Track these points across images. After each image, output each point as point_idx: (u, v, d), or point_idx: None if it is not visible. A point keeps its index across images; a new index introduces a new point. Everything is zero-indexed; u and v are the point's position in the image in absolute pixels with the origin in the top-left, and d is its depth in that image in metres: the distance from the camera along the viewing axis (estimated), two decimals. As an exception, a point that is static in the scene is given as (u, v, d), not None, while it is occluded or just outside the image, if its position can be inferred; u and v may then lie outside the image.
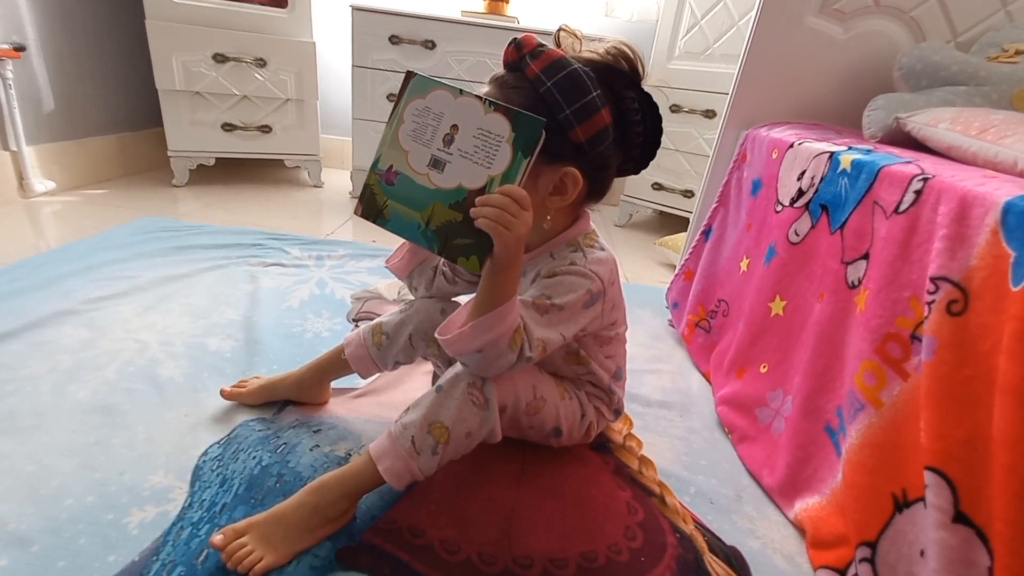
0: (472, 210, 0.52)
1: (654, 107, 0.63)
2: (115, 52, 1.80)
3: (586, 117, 0.57)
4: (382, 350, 0.75)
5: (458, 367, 0.62)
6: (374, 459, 0.59)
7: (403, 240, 0.75)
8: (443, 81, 0.56)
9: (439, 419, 0.59)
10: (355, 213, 0.59)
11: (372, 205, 0.58)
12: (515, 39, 0.58)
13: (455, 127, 0.54)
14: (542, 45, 0.58)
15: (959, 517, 0.48)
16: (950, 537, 0.48)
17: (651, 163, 0.67)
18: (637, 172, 0.67)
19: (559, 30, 0.62)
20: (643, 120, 0.62)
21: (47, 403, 0.75)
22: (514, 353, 0.57)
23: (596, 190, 0.65)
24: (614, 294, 0.67)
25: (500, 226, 0.51)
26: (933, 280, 0.54)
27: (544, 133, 0.52)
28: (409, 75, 0.57)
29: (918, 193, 0.60)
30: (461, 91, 0.55)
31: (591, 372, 0.72)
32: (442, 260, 0.76)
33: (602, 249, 0.66)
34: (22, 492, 0.61)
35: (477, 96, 0.54)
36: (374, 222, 0.58)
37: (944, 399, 0.51)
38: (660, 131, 0.64)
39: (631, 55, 0.61)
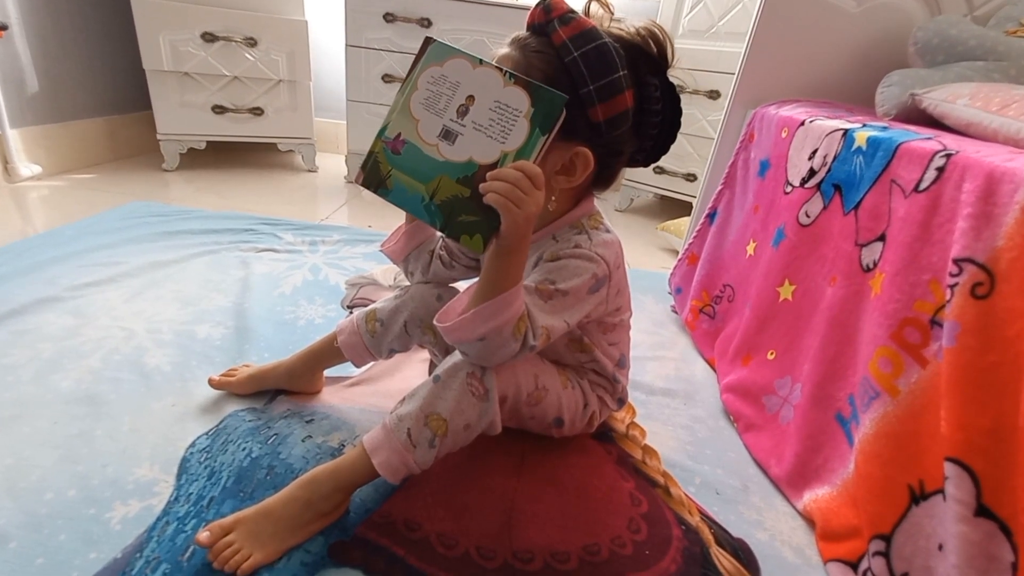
0: (482, 185, 0.49)
1: (676, 99, 0.59)
2: (101, 31, 1.74)
3: (609, 96, 0.53)
4: (376, 338, 0.72)
5: (456, 356, 0.59)
6: (368, 452, 0.56)
7: (400, 223, 0.72)
8: (463, 49, 0.52)
9: (436, 411, 0.57)
10: (355, 181, 0.56)
11: (375, 174, 0.55)
12: (544, 0, 0.55)
13: (471, 98, 0.51)
14: (573, 11, 0.54)
15: (981, 510, 0.46)
16: (971, 531, 0.46)
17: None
18: (647, 164, 0.64)
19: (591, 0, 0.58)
20: (662, 111, 0.58)
21: (28, 393, 0.72)
22: (517, 342, 0.54)
23: (604, 176, 0.62)
24: (620, 278, 0.64)
25: (510, 203, 0.48)
26: (956, 262, 0.51)
27: (565, 111, 0.49)
28: (427, 41, 0.54)
29: (940, 170, 0.57)
30: (481, 60, 0.52)
31: (595, 360, 0.69)
32: (439, 244, 0.73)
33: (607, 231, 0.63)
34: (0, 486, 0.58)
35: (497, 67, 0.51)
36: (375, 191, 0.55)
37: (967, 387, 0.48)
38: (678, 124, 0.60)
39: (661, 39, 0.57)
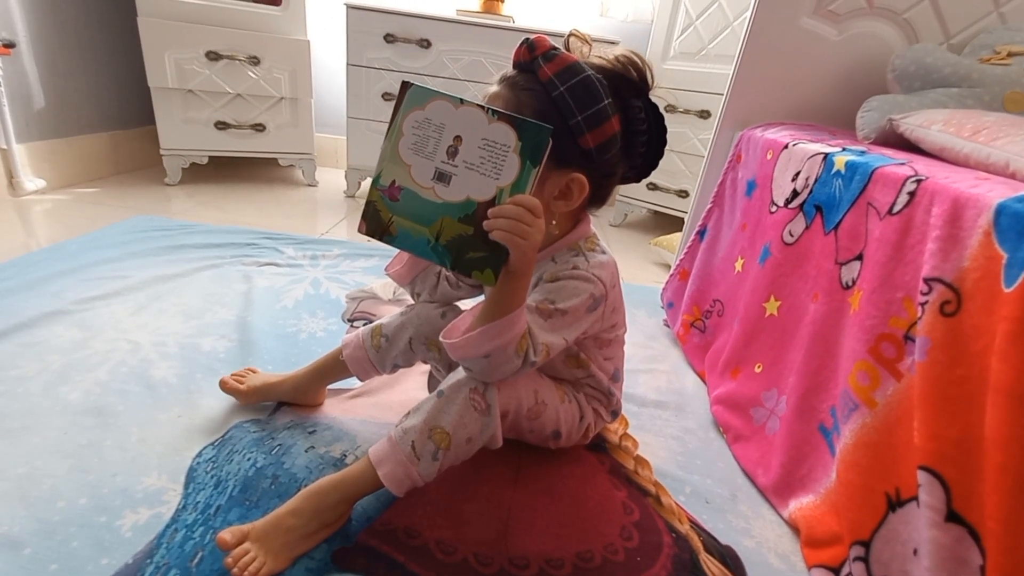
0: (486, 223, 0.52)
1: (660, 118, 0.63)
2: (107, 49, 1.78)
3: (597, 124, 0.57)
4: (381, 352, 0.74)
5: (460, 372, 0.62)
6: (374, 464, 0.58)
7: None
8: (441, 91, 0.54)
9: (440, 424, 0.59)
10: (359, 231, 0.57)
11: (377, 222, 0.56)
12: (528, 39, 0.58)
13: (458, 138, 0.53)
14: (556, 48, 0.58)
15: (952, 516, 0.49)
16: (942, 536, 0.49)
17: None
18: (638, 180, 0.67)
19: (570, 34, 0.62)
20: (648, 130, 0.62)
21: (38, 404, 0.74)
22: (520, 358, 0.56)
23: (598, 196, 0.65)
24: (615, 297, 0.67)
25: (516, 236, 0.51)
26: (926, 281, 0.54)
27: (551, 141, 0.51)
28: (405, 85, 0.55)
29: (912, 195, 0.60)
30: (462, 100, 0.53)
31: (591, 375, 0.72)
32: None
33: (603, 252, 0.66)
34: (13, 494, 0.60)
35: (479, 105, 0.53)
36: (380, 239, 0.56)
37: (937, 399, 0.51)
38: (664, 142, 0.64)
39: (640, 64, 0.61)
